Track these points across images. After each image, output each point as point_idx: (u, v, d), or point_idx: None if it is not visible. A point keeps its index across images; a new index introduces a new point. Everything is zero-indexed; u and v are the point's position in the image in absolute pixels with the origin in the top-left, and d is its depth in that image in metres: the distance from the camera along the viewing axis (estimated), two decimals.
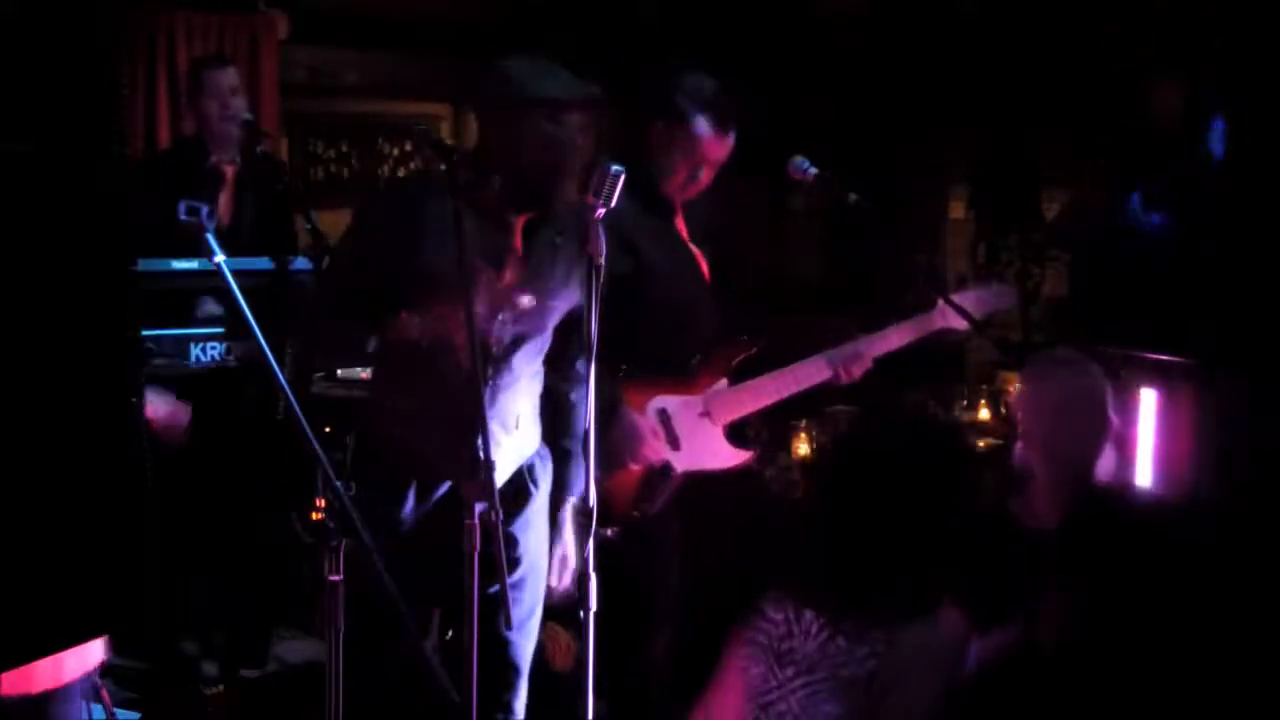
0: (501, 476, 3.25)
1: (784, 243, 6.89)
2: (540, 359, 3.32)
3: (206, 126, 4.94)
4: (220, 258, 2.72)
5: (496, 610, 3.03)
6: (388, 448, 3.25)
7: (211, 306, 4.53)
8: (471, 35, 6.22)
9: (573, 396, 3.38)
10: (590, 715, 2.98)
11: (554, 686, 3.65)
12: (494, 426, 3.19)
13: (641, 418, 3.68)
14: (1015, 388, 3.87)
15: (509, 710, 3.43)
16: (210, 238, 2.72)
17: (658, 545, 3.78)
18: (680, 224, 3.85)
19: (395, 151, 6.95)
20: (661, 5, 6.58)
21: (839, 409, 5.82)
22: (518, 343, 3.23)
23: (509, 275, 3.19)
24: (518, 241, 3.21)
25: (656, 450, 3.68)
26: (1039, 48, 6.11)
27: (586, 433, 2.95)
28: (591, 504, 2.97)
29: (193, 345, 4.41)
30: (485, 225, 3.14)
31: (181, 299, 4.45)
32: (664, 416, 3.73)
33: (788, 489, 5.69)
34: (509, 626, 2.92)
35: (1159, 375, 4.29)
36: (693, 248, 3.88)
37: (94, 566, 2.03)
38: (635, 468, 3.67)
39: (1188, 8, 5.51)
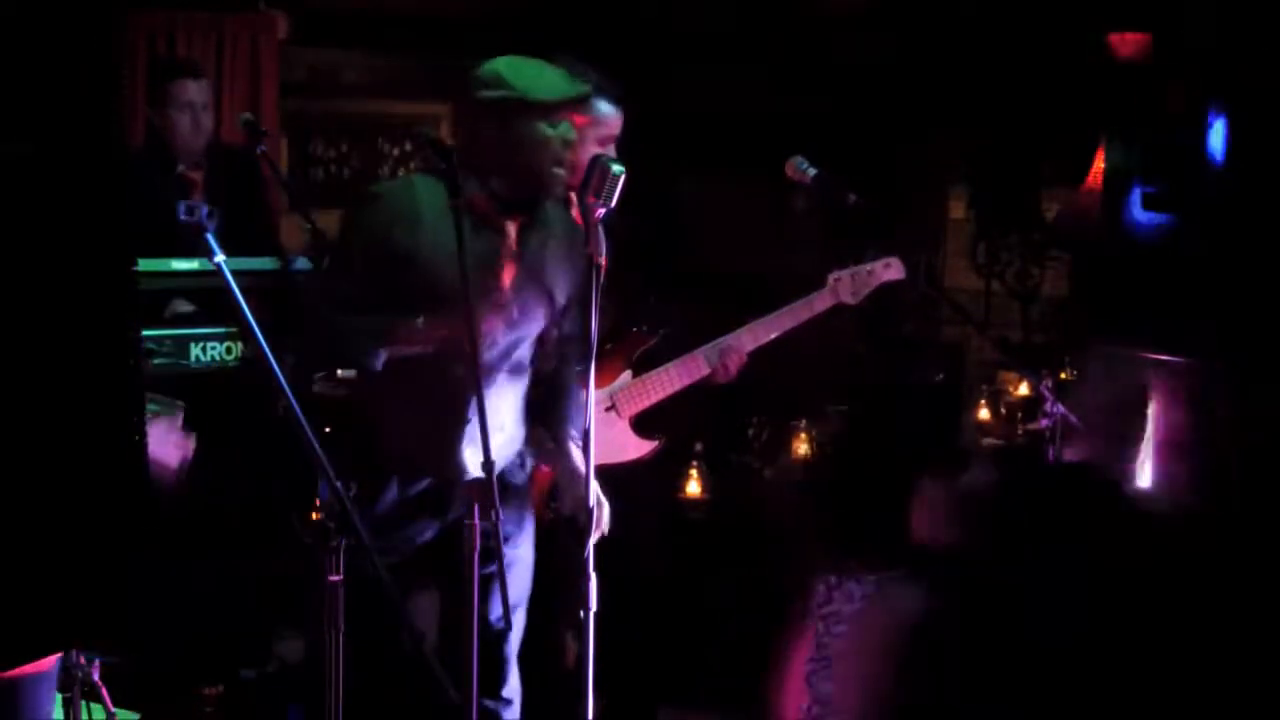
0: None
1: (784, 243, 6.89)
2: (530, 359, 3.33)
3: (173, 138, 4.77)
4: (220, 258, 2.72)
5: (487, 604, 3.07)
6: (375, 447, 3.26)
7: (181, 306, 4.52)
8: (471, 35, 6.21)
9: (564, 402, 3.40)
10: (590, 715, 2.98)
11: (553, 687, 3.65)
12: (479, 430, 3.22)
13: None
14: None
15: (501, 699, 3.45)
16: (210, 238, 2.72)
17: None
18: (576, 215, 3.84)
19: (395, 151, 6.94)
20: (661, 5, 6.58)
21: (839, 409, 5.83)
22: (511, 347, 3.23)
23: (505, 279, 3.19)
24: (513, 245, 3.21)
25: None
26: (1039, 48, 6.11)
27: (586, 432, 2.96)
28: (592, 504, 2.98)
29: (193, 345, 4.40)
30: (479, 229, 3.15)
31: (152, 300, 4.42)
32: None
33: (786, 489, 5.70)
34: (509, 627, 2.93)
35: (1159, 375, 4.29)
36: None
37: (90, 569, 2.03)
38: (546, 469, 3.68)
39: (1188, 8, 5.51)
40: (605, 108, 3.68)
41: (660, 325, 3.88)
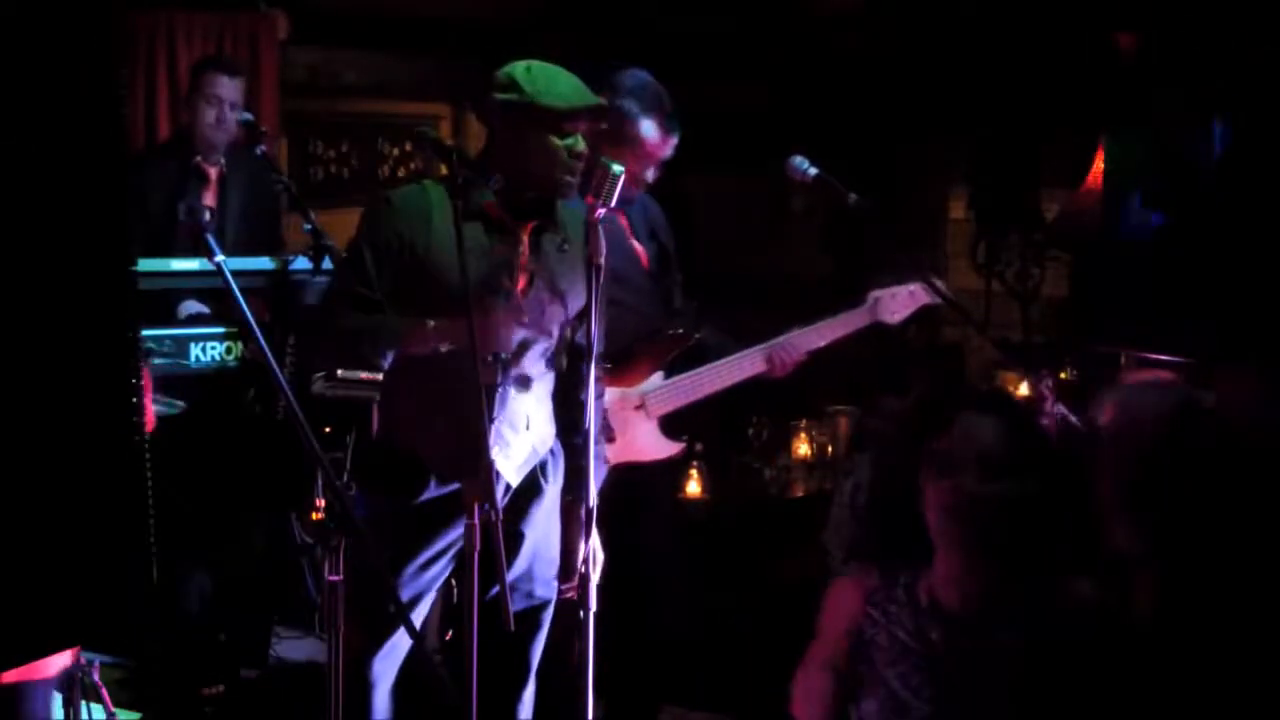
0: (515, 474, 3.27)
1: (784, 243, 6.89)
2: (548, 360, 3.33)
3: (197, 128, 4.91)
4: (220, 257, 2.72)
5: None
6: (400, 453, 3.25)
7: (193, 307, 4.53)
8: (471, 35, 6.22)
9: (581, 396, 3.40)
10: (590, 716, 2.98)
11: (554, 687, 3.65)
12: (504, 428, 3.21)
13: None
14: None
15: (515, 709, 3.44)
16: (210, 238, 2.72)
17: None
18: (624, 220, 3.86)
19: (395, 151, 6.94)
20: (662, 5, 6.58)
21: (839, 409, 5.83)
22: (525, 347, 3.23)
23: (519, 282, 3.20)
24: (525, 248, 3.22)
25: None
26: (1039, 48, 6.11)
27: (587, 432, 2.96)
28: (592, 503, 2.98)
29: (193, 345, 4.41)
30: (492, 233, 3.17)
31: (164, 299, 4.44)
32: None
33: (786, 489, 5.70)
34: (509, 627, 2.92)
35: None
36: (636, 244, 3.90)
37: (88, 569, 2.03)
38: None
39: (1188, 9, 5.51)
40: (648, 130, 3.70)
41: (696, 328, 3.88)
